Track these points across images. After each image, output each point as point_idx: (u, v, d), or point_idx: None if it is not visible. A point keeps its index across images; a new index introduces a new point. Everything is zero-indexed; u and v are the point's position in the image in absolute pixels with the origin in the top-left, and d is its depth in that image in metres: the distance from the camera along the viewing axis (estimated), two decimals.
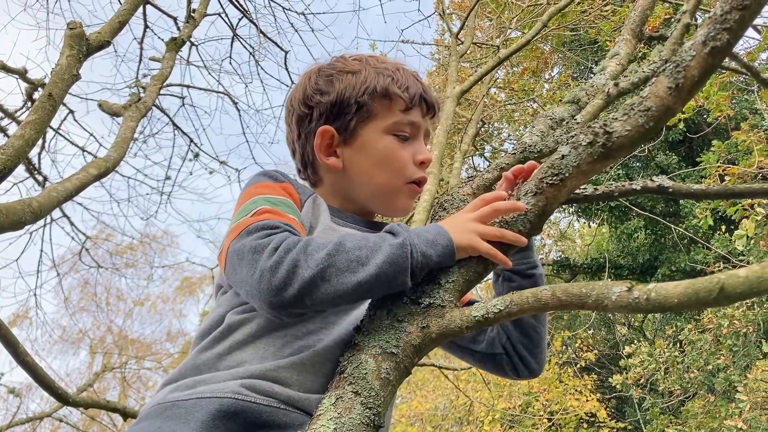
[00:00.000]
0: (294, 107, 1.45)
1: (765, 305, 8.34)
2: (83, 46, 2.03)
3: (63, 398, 3.23)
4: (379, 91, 1.35)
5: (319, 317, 1.20)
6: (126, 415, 3.95)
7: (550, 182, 1.18)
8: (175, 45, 3.48)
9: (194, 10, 3.72)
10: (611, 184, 1.34)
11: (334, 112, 1.38)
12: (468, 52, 5.52)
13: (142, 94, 3.01)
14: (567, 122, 1.58)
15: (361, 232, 1.25)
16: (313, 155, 1.42)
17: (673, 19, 2.02)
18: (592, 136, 1.17)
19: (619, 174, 11.68)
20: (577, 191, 1.32)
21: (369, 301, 1.19)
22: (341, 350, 1.15)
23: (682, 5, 2.05)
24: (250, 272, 1.07)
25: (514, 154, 1.53)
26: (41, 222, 5.74)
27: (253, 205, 1.20)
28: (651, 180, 1.34)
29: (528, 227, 1.19)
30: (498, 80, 9.60)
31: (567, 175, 1.17)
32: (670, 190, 1.33)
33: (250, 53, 4.89)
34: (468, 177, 1.48)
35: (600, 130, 1.17)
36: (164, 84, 3.23)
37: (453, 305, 1.12)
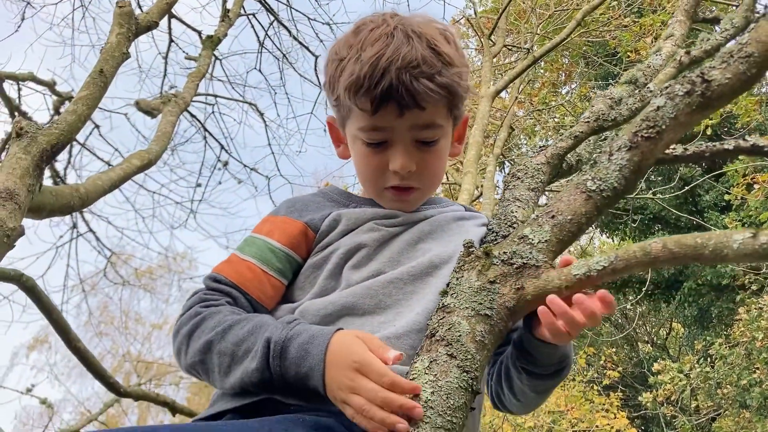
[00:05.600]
0: None
1: None
2: (132, 24, 1.99)
3: (115, 388, 3.50)
4: (339, 94, 1.17)
5: (389, 310, 1.11)
6: (175, 410, 3.98)
7: (646, 135, 1.10)
8: (211, 43, 3.48)
9: (229, 10, 3.71)
10: (701, 144, 1.26)
11: (330, 101, 1.27)
12: (500, 52, 5.48)
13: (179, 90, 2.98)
14: (639, 90, 1.50)
15: (256, 320, 1.06)
16: None
17: None
18: (690, 86, 1.09)
19: (641, 187, 11.50)
20: (667, 151, 1.25)
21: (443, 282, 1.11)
22: (413, 339, 1.05)
23: None
24: None
25: (587, 122, 1.45)
26: (67, 236, 5.71)
27: (237, 247, 1.23)
28: (744, 140, 1.26)
29: (623, 185, 1.11)
30: (519, 95, 9.55)
31: (664, 127, 1.09)
32: (766, 149, 1.25)
33: (283, 54, 4.87)
34: (540, 146, 1.40)
35: (697, 79, 1.09)
36: (201, 80, 3.22)
37: (548, 265, 1.04)
